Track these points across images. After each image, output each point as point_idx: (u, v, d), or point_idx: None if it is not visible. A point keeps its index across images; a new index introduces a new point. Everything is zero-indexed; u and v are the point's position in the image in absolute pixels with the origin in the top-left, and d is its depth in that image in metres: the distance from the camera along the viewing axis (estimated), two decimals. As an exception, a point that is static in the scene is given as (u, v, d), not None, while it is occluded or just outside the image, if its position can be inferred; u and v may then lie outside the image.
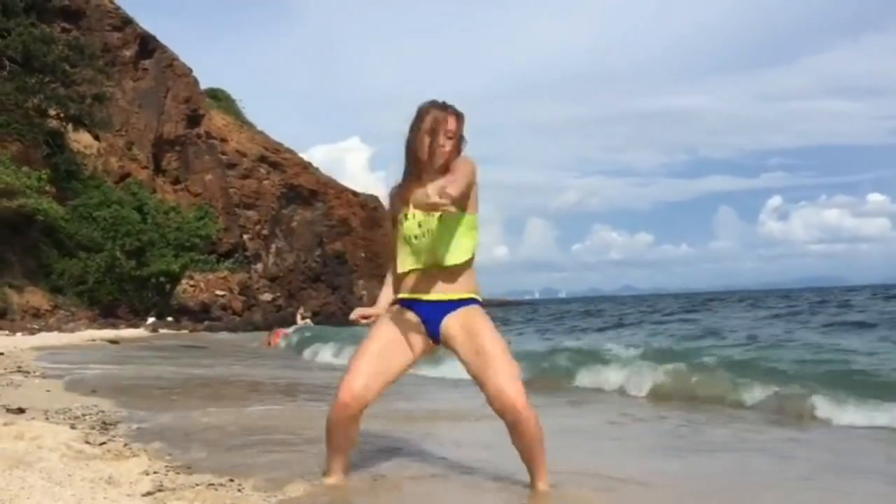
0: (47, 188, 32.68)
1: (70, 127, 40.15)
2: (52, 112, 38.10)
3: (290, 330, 24.22)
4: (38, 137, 36.19)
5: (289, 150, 60.74)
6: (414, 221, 3.30)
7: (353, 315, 3.42)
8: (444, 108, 3.31)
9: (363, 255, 62.26)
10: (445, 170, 3.27)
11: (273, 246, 57.21)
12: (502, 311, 53.40)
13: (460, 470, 3.85)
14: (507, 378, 3.14)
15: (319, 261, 59.25)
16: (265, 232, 56.56)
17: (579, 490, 3.47)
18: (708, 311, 31.89)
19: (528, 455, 3.26)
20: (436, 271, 3.29)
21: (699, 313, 30.44)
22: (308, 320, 38.53)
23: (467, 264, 3.32)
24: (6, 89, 34.89)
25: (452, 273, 3.30)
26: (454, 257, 3.26)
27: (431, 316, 3.30)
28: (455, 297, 3.30)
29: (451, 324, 3.27)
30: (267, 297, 51.29)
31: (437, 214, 3.20)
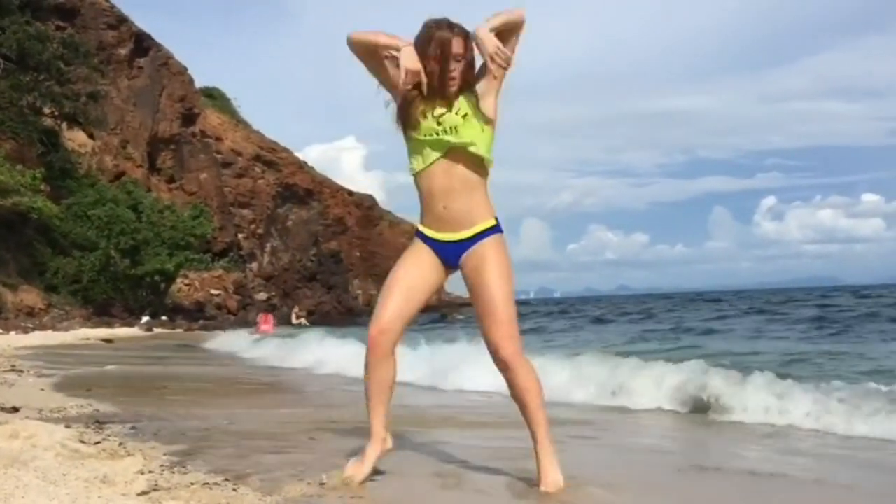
0: (42, 186, 32.59)
1: (65, 125, 40.07)
2: (46, 110, 38.01)
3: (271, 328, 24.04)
4: (33, 135, 36.10)
5: (284, 149, 60.69)
6: (433, 120, 3.26)
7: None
8: (450, 28, 3.24)
9: (358, 254, 62.24)
10: (460, 93, 3.26)
11: (268, 245, 57.15)
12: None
13: (471, 475, 3.84)
14: (503, 335, 3.23)
15: (315, 260, 59.22)
16: (260, 231, 56.50)
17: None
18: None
19: (525, 409, 3.30)
20: (452, 179, 3.27)
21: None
22: (303, 319, 38.62)
23: (478, 174, 3.31)
24: (0, 87, 34.79)
25: (470, 182, 3.29)
26: (475, 145, 3.25)
27: (448, 253, 3.35)
28: (469, 234, 3.31)
29: (466, 266, 3.33)
30: (262, 296, 51.25)
31: (458, 112, 3.24)
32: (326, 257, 59.88)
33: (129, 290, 36.14)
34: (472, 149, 3.25)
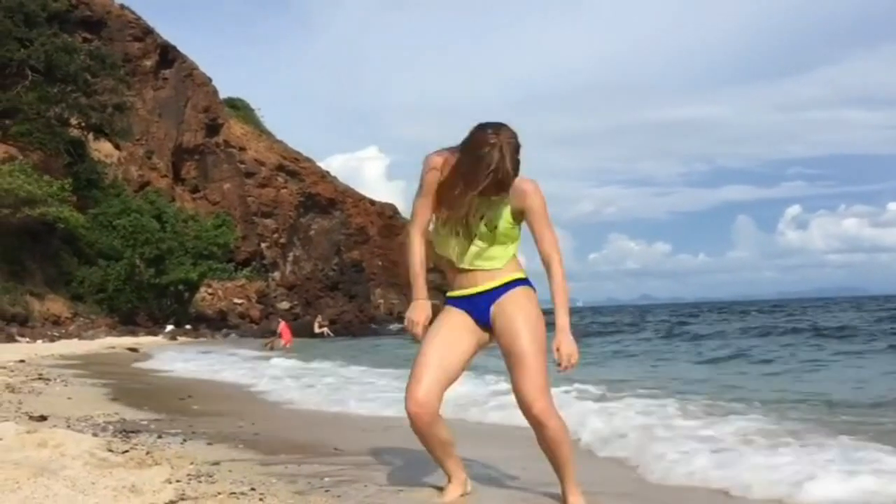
0: (68, 197, 32.95)
1: (91, 136, 40.47)
2: (73, 121, 38.41)
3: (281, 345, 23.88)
4: (60, 146, 36.50)
5: (307, 159, 60.94)
6: (459, 220, 3.24)
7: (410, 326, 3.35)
8: (498, 131, 3.11)
9: (380, 263, 62.28)
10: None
11: (291, 254, 57.36)
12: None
13: (492, 485, 3.84)
14: (536, 390, 3.14)
15: (337, 269, 59.34)
16: (283, 240, 56.72)
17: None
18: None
19: (553, 460, 3.27)
20: (482, 255, 3.29)
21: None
22: (326, 328, 38.66)
23: (512, 256, 3.35)
24: (28, 99, 35.25)
25: (500, 257, 3.32)
26: (495, 263, 3.29)
27: (478, 307, 3.29)
28: (499, 283, 3.28)
29: (496, 316, 3.26)
30: (284, 305, 51.43)
31: (489, 225, 3.23)
32: (348, 266, 59.98)
33: (153, 299, 36.40)
34: (487, 267, 3.28)
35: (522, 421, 3.30)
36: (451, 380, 3.28)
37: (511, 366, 3.20)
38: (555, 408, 3.21)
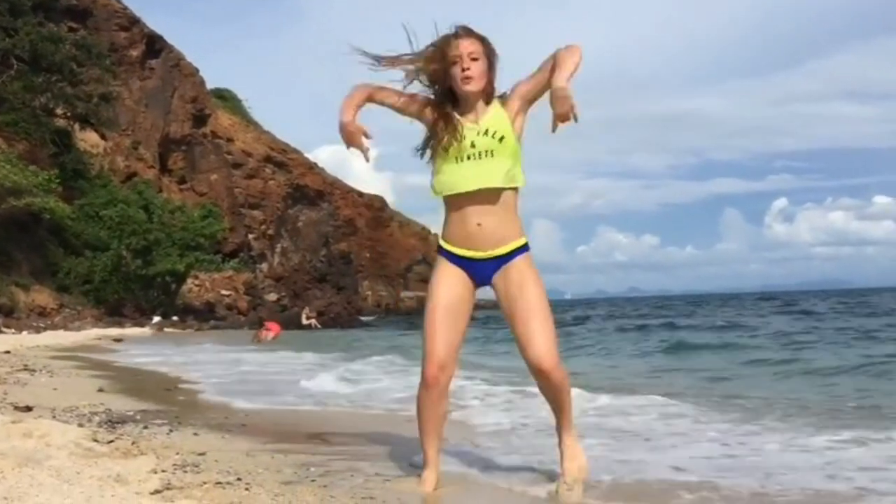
0: (54, 187, 32.75)
1: (77, 126, 40.25)
2: (59, 111, 38.18)
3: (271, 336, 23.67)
4: (45, 136, 36.26)
5: (295, 151, 60.82)
6: (465, 141, 3.27)
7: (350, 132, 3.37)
8: (464, 31, 3.31)
9: (368, 255, 62.33)
10: (487, 95, 3.31)
11: (278, 246, 57.28)
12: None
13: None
14: (548, 343, 3.24)
15: (325, 261, 59.32)
16: (270, 232, 56.63)
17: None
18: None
19: (557, 404, 3.37)
20: (489, 204, 3.27)
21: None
22: (314, 320, 38.58)
23: (513, 199, 3.33)
24: (14, 88, 34.99)
25: (507, 206, 3.30)
26: (513, 180, 3.27)
27: (480, 272, 3.34)
28: (504, 251, 3.30)
29: (500, 281, 3.32)
30: (272, 296, 51.31)
31: (495, 136, 3.25)
32: (336, 258, 59.96)
33: (140, 290, 36.24)
34: (511, 184, 3.27)
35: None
36: (460, 345, 3.37)
37: (520, 321, 3.26)
38: (561, 360, 3.31)
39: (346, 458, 4.21)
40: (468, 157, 3.26)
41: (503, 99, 3.35)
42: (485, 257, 3.31)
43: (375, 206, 64.85)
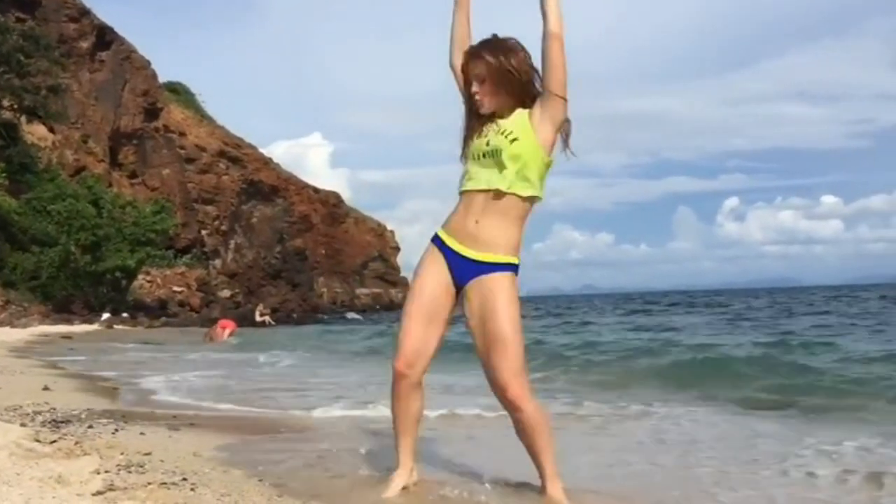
0: (1, 181, 31.98)
1: (24, 119, 39.30)
2: (5, 103, 37.25)
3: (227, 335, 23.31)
4: (-9, 129, 35.39)
5: (249, 146, 60.17)
6: (483, 139, 3.21)
7: None
8: (471, 52, 3.25)
9: (324, 251, 61.98)
10: (515, 104, 3.21)
11: (232, 242, 56.63)
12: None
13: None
14: (511, 373, 3.08)
15: (279, 257, 58.80)
16: (224, 228, 55.96)
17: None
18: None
19: (530, 447, 3.20)
20: (491, 204, 3.16)
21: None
22: (267, 317, 38.25)
23: (520, 209, 3.18)
24: (-42, 80, 34.10)
25: (507, 212, 3.17)
26: (514, 186, 3.14)
27: (461, 270, 3.19)
28: (489, 259, 3.15)
29: (473, 291, 3.16)
30: (225, 293, 50.77)
31: (508, 136, 3.15)
32: (291, 255, 59.49)
33: (89, 286, 35.55)
34: (504, 187, 3.14)
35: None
36: (438, 342, 3.23)
37: (486, 346, 3.12)
38: (530, 393, 3.15)
39: (296, 458, 4.20)
40: (483, 156, 3.19)
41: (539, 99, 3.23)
42: (468, 256, 3.18)
43: (331, 202, 64.51)
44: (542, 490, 3.26)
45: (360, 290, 63.30)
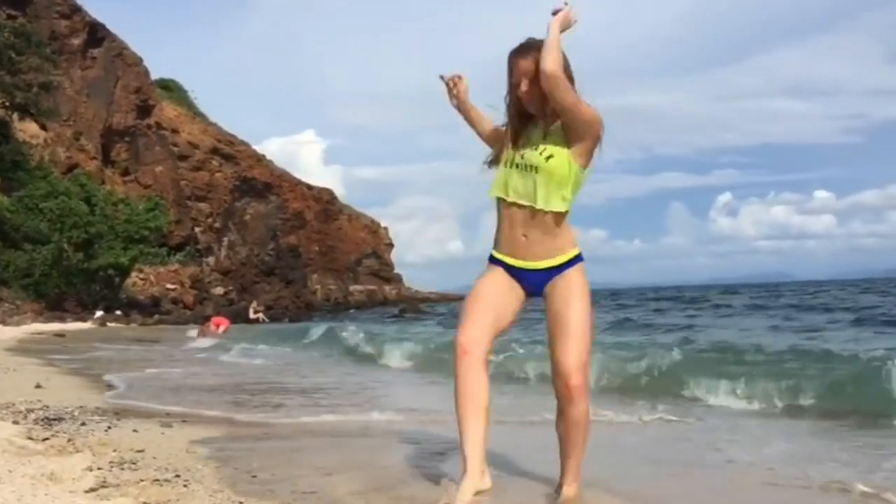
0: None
1: (16, 116, 39.18)
2: (-4, 100, 37.14)
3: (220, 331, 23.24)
4: (-18, 126, 35.25)
5: (242, 143, 60.01)
6: (518, 152, 3.24)
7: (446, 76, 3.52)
8: (521, 50, 3.25)
9: (317, 248, 61.86)
10: (554, 115, 3.20)
11: (225, 239, 56.52)
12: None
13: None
14: (577, 364, 3.11)
15: (273, 254, 58.70)
16: (217, 225, 55.83)
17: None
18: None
19: (567, 440, 3.20)
20: (531, 219, 3.20)
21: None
22: (261, 314, 38.22)
23: (559, 218, 3.22)
24: (-51, 77, 33.94)
25: (549, 224, 3.20)
26: (550, 203, 3.18)
27: (530, 281, 3.25)
28: (555, 263, 3.22)
29: (551, 293, 3.22)
30: (219, 290, 50.69)
31: (543, 153, 3.17)
32: (285, 252, 59.39)
33: (82, 284, 35.44)
34: (540, 205, 3.17)
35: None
36: (498, 332, 3.24)
37: (557, 335, 3.16)
38: (589, 388, 3.19)
39: (288, 453, 4.20)
40: (516, 166, 3.22)
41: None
42: (535, 268, 3.23)
43: (324, 199, 64.38)
44: (558, 488, 3.27)
45: (354, 287, 63.22)
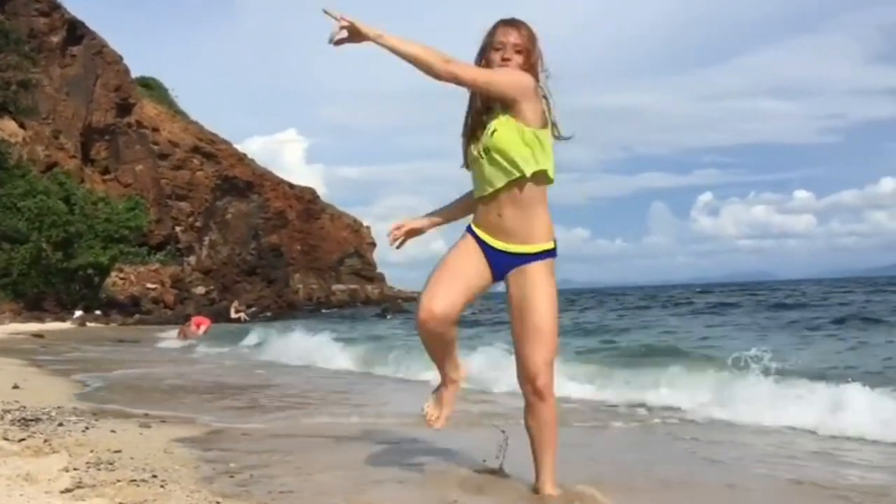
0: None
1: (-7, 114, 38.84)
2: (-26, 98, 36.80)
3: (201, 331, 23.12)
4: (-40, 124, 34.88)
5: (223, 141, 59.71)
6: (479, 145, 3.19)
7: (390, 230, 3.49)
8: (510, 22, 3.22)
9: (299, 248, 61.65)
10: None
11: (207, 238, 56.23)
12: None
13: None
14: (544, 363, 3.13)
15: (255, 254, 58.47)
16: (199, 224, 55.54)
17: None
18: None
19: (538, 440, 3.21)
20: (504, 198, 3.15)
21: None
22: (242, 314, 38.10)
23: (532, 192, 3.15)
24: (-74, 74, 33.58)
25: (521, 203, 3.15)
26: (510, 174, 3.12)
27: (498, 262, 3.20)
28: (525, 251, 3.17)
29: (513, 281, 3.19)
30: (200, 290, 50.41)
31: (489, 131, 3.14)
32: (267, 251, 59.16)
33: (61, 283, 35.19)
34: (502, 181, 3.14)
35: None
36: (461, 306, 3.19)
37: (523, 333, 3.16)
38: (554, 385, 3.19)
39: (266, 453, 4.21)
40: (480, 156, 3.19)
41: None
42: (503, 249, 3.19)
43: (306, 198, 64.16)
44: (535, 488, 3.27)
45: (337, 287, 63.06)
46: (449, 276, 3.18)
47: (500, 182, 3.14)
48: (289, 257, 60.77)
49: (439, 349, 3.31)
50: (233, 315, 36.69)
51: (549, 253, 3.21)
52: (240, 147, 62.67)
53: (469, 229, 3.28)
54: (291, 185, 63.78)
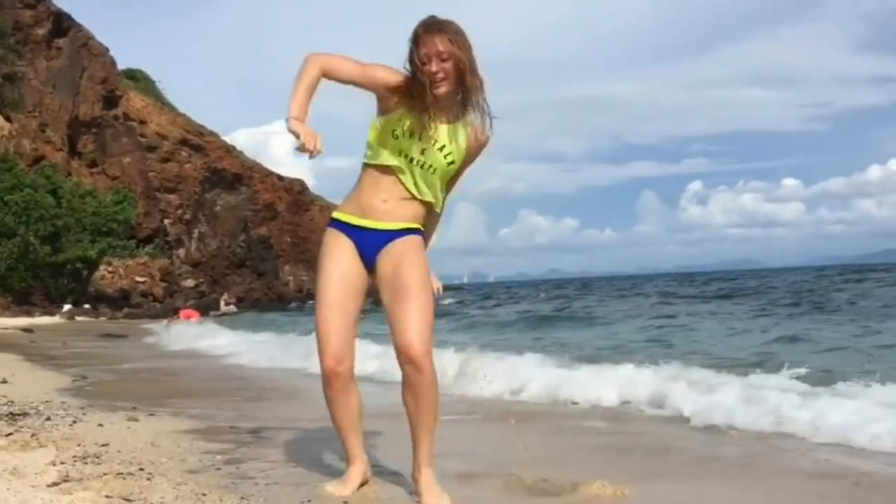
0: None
1: (-21, 107, 38.59)
2: (-41, 92, 36.55)
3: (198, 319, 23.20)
4: (-55, 118, 34.66)
5: (212, 133, 59.46)
6: (419, 145, 3.03)
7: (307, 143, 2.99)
8: (436, 26, 3.00)
9: (289, 240, 61.53)
10: (453, 95, 3.03)
11: (196, 231, 56.05)
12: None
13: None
14: (417, 330, 2.95)
15: (244, 246, 58.32)
16: (187, 217, 55.35)
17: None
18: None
19: (418, 416, 3.01)
20: (398, 197, 3.08)
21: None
22: (232, 306, 38.08)
23: (425, 206, 3.16)
24: None
25: (410, 208, 3.11)
26: (431, 198, 3.12)
27: (368, 244, 3.09)
28: (397, 227, 3.08)
29: (384, 257, 3.07)
30: (189, 283, 50.30)
31: (448, 156, 3.04)
32: (256, 243, 59.02)
33: (49, 277, 35.09)
34: (426, 199, 3.10)
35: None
36: (355, 331, 3.11)
37: (395, 301, 3.00)
38: (432, 355, 3.00)
39: (252, 445, 4.24)
40: (411, 160, 3.05)
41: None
42: (377, 228, 3.07)
43: (295, 190, 63.99)
44: (414, 475, 3.11)
45: (326, 278, 63.00)
46: (338, 315, 3.06)
47: (418, 195, 3.08)
48: (278, 249, 60.66)
49: (346, 416, 3.15)
50: (223, 308, 36.66)
51: (420, 232, 3.14)
52: (228, 139, 62.54)
53: (334, 224, 3.18)
54: (280, 177, 63.59)
